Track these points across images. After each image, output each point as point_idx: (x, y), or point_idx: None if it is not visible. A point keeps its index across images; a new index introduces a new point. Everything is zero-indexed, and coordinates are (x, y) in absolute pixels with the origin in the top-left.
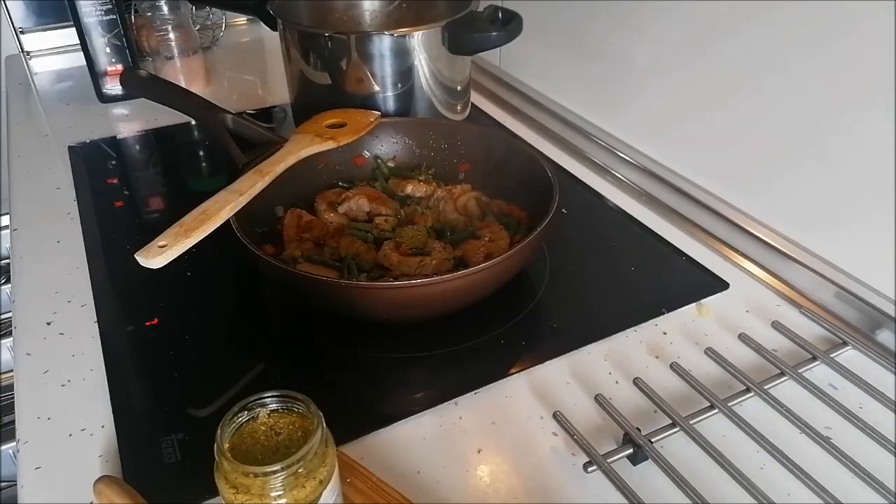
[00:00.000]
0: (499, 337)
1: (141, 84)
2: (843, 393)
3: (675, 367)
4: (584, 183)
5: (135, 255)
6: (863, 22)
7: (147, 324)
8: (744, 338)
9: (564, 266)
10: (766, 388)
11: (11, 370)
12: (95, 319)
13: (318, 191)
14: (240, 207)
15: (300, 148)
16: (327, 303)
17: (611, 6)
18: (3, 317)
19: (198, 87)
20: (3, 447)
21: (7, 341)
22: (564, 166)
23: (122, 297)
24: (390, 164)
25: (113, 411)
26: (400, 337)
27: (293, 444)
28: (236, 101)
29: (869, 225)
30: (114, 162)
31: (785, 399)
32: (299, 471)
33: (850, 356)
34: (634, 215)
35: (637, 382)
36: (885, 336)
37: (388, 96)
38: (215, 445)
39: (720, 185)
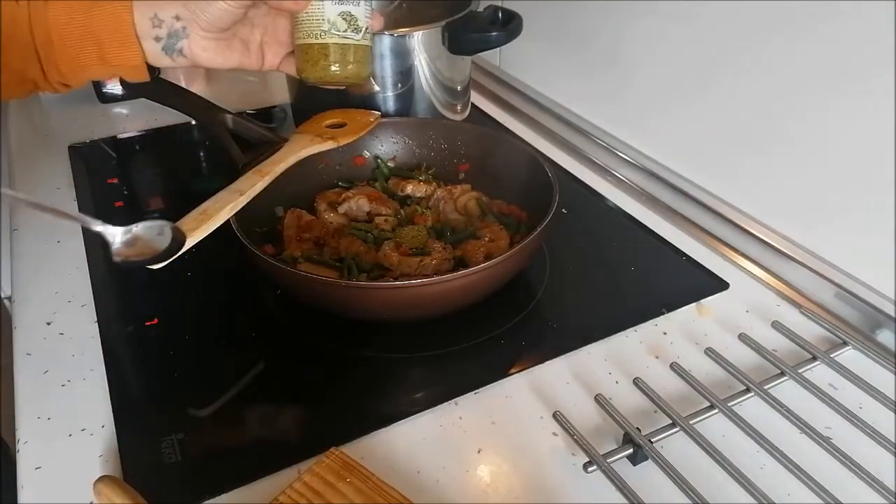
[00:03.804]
0: (499, 337)
1: (141, 84)
2: (843, 393)
3: (675, 367)
4: (584, 183)
5: None
6: (863, 23)
7: (147, 324)
8: (744, 338)
9: (564, 266)
10: (766, 388)
11: None
12: (95, 319)
13: (318, 191)
14: (240, 207)
15: (300, 148)
16: (327, 303)
17: (611, 6)
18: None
19: (198, 87)
20: None
21: None
22: (564, 166)
23: (122, 297)
24: (390, 164)
25: (113, 411)
26: (400, 337)
27: None
28: (236, 101)
29: (869, 225)
30: (114, 162)
31: (785, 399)
32: None
33: (850, 356)
34: (634, 215)
35: (637, 382)
36: (885, 336)
37: (388, 96)
38: None
39: (720, 185)
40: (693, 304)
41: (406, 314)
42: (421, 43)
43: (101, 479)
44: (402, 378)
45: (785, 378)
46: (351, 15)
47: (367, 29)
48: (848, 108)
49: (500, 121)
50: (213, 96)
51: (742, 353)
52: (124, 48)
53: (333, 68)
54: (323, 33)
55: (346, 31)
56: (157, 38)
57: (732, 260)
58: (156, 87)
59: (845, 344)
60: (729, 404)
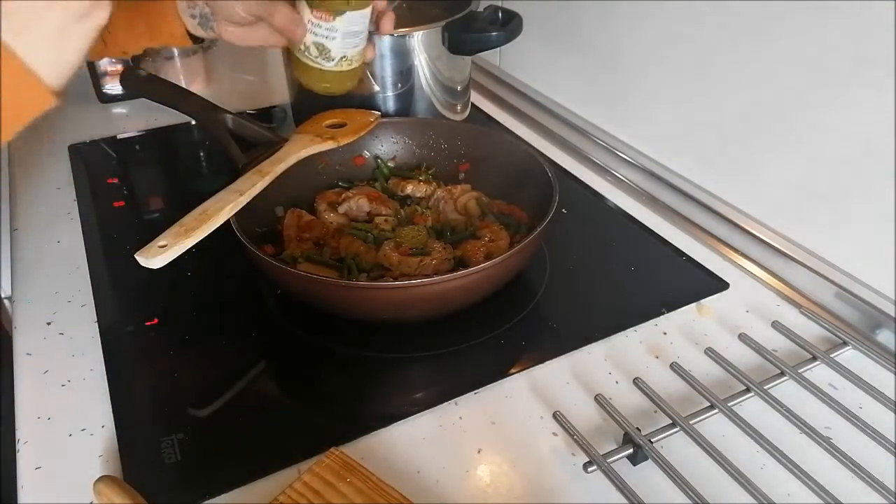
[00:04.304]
0: (499, 337)
1: (141, 84)
2: (843, 393)
3: (675, 367)
4: (584, 183)
5: (135, 255)
6: (863, 22)
7: (147, 324)
8: (744, 338)
9: (564, 266)
10: (766, 388)
11: None
12: (95, 319)
13: (318, 191)
14: (240, 207)
15: (300, 148)
16: (327, 303)
17: (611, 6)
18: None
19: (198, 87)
20: None
21: None
22: (564, 166)
23: (122, 297)
24: (390, 164)
25: (113, 411)
26: (400, 337)
27: None
28: (236, 101)
29: (869, 225)
30: (114, 162)
31: (785, 399)
32: None
33: (850, 356)
34: (634, 215)
35: (637, 382)
36: (885, 336)
37: (388, 96)
38: None
39: (720, 185)
40: (693, 304)
41: (406, 314)
42: (421, 43)
43: (101, 479)
44: (402, 378)
45: (785, 378)
46: (324, 46)
47: (343, 58)
48: (849, 110)
49: (500, 121)
50: (213, 96)
51: (742, 353)
52: (167, 24)
53: (307, 82)
54: (300, 52)
55: (317, 57)
56: (193, 17)
57: (732, 260)
58: (156, 86)
59: (845, 344)
60: (729, 404)
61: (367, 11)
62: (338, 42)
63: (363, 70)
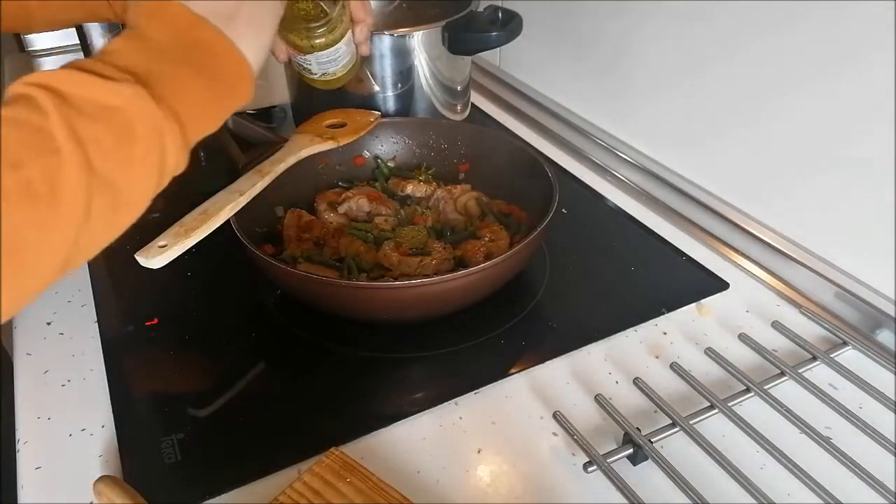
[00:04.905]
0: (499, 337)
1: None
2: (843, 393)
3: (675, 367)
4: (584, 183)
5: (135, 255)
6: (860, 23)
7: (147, 324)
8: (744, 338)
9: (564, 266)
10: (766, 388)
11: None
12: (95, 319)
13: (318, 191)
14: (240, 207)
15: (300, 148)
16: (327, 303)
17: (611, 6)
18: None
19: None
20: None
21: None
22: (564, 166)
23: (122, 297)
24: (390, 164)
25: (113, 411)
26: (400, 337)
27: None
28: None
29: (869, 225)
30: None
31: (785, 399)
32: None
33: (850, 356)
34: (634, 215)
35: (637, 382)
36: (885, 336)
37: (388, 96)
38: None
39: (720, 185)
40: (693, 304)
41: (406, 314)
42: (421, 43)
43: (101, 479)
44: (402, 378)
45: (785, 378)
46: (300, 65)
47: (324, 74)
48: (848, 110)
49: (500, 121)
50: None
51: (742, 353)
52: None
53: (301, 79)
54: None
55: (300, 68)
56: None
57: (732, 260)
58: None
59: (845, 344)
60: (729, 404)
61: (339, 46)
62: (314, 66)
63: (358, 69)
